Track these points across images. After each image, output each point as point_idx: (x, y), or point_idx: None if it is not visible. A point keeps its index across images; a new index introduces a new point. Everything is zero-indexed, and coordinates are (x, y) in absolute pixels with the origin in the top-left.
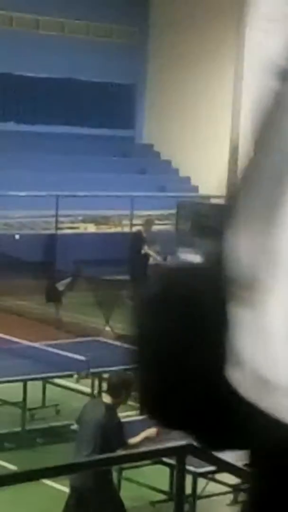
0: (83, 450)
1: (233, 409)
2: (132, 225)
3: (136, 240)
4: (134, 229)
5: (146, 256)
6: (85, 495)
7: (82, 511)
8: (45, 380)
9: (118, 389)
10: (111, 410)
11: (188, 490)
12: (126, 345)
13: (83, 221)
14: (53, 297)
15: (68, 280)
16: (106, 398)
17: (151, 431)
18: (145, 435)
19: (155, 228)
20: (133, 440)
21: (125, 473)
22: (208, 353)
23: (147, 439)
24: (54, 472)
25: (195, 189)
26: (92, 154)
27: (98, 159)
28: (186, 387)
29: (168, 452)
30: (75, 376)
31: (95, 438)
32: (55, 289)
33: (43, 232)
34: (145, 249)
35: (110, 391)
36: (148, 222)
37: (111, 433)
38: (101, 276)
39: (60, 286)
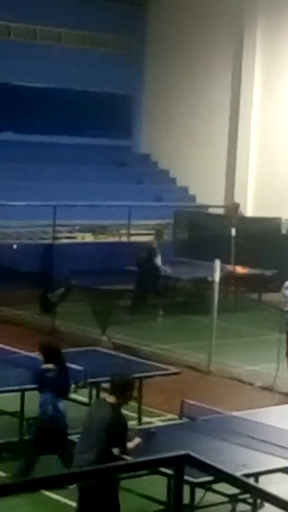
0: (86, 451)
1: None
2: (129, 234)
3: (148, 251)
4: (141, 239)
5: (156, 268)
6: (89, 496)
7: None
8: None
9: (123, 390)
10: (116, 410)
11: (186, 500)
12: (123, 355)
13: (81, 230)
14: (46, 307)
15: (60, 290)
16: (110, 398)
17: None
18: (139, 442)
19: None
20: (130, 444)
21: (122, 483)
22: None
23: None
24: (51, 482)
25: (193, 198)
26: (90, 164)
27: (96, 169)
28: None
29: (166, 462)
30: (73, 386)
31: (101, 437)
32: (47, 299)
33: (41, 242)
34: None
35: (115, 391)
36: (159, 233)
37: (116, 433)
38: (97, 286)
39: (52, 297)
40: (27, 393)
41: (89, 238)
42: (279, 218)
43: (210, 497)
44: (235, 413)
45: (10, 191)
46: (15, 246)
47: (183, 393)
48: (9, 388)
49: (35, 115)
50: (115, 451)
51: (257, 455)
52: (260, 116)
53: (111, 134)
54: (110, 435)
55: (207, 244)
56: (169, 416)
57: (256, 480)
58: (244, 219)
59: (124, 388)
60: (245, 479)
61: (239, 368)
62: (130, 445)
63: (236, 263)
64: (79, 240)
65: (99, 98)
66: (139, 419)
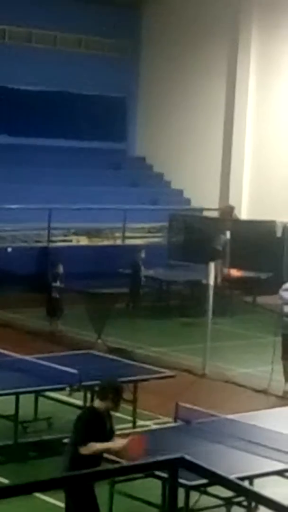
0: (66, 453)
1: None
2: (124, 237)
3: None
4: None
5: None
6: (68, 503)
7: None
8: (37, 393)
9: (105, 392)
10: (92, 412)
11: (181, 503)
12: (118, 358)
13: (76, 233)
14: (52, 311)
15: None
16: (97, 403)
17: (117, 444)
18: (105, 447)
19: (147, 240)
20: (99, 445)
21: (117, 487)
22: None
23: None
24: (46, 485)
25: (188, 201)
26: (85, 167)
27: (91, 172)
28: None
29: (161, 465)
30: (68, 389)
31: (72, 437)
32: (53, 303)
33: (36, 245)
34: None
35: (101, 397)
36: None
37: (79, 431)
38: (93, 289)
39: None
40: (21, 396)
41: (84, 241)
42: (274, 221)
43: (205, 500)
44: (230, 416)
45: (5, 194)
46: (10, 249)
47: (178, 396)
48: (4, 391)
49: (30, 118)
50: (80, 449)
51: (252, 458)
52: (255, 119)
53: (106, 137)
54: (76, 433)
55: (202, 247)
56: (164, 419)
57: (251, 483)
58: (238, 222)
59: (111, 394)
60: (240, 482)
61: (234, 371)
62: (99, 446)
63: (231, 266)
64: (74, 243)
65: (94, 101)
66: (134, 422)
